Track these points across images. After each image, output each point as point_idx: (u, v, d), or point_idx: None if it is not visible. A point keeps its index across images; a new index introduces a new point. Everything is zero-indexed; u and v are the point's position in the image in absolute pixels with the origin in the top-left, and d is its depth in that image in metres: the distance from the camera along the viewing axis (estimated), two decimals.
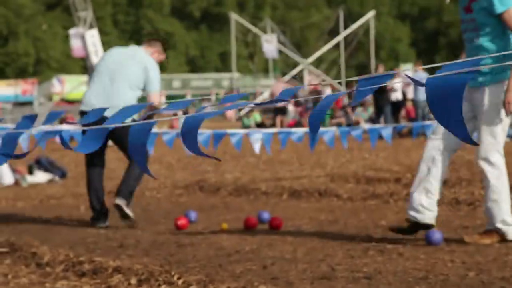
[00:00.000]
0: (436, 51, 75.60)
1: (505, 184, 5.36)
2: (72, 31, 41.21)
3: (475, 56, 5.15)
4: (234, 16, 50.71)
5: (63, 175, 11.49)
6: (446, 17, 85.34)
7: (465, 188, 8.40)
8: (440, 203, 7.49)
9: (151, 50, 7.44)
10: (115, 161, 13.06)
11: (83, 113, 7.09)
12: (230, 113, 38.42)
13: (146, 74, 7.15)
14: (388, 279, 4.45)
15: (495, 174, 5.32)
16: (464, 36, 5.44)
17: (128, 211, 6.97)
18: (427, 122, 10.24)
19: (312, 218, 7.08)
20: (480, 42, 5.31)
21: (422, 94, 19.74)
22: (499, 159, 5.33)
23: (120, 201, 7.02)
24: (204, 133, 8.99)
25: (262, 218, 6.79)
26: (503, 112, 5.28)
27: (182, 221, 6.71)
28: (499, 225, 5.37)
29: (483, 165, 5.35)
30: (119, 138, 7.07)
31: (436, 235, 5.45)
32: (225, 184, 9.63)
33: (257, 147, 8.40)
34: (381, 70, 21.37)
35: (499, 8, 5.19)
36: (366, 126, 11.93)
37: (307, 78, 46.99)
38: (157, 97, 7.16)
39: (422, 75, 20.25)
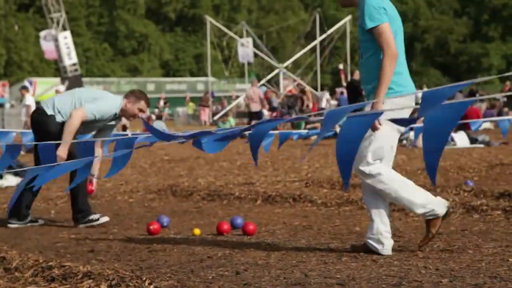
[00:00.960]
0: (412, 56, 76.01)
1: (395, 182, 5.36)
2: (42, 33, 40.95)
3: (364, 72, 5.36)
4: (209, 19, 50.58)
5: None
6: (422, 22, 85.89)
7: (439, 194, 8.38)
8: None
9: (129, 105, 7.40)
10: None
11: None
12: (204, 116, 38.30)
13: None
14: (361, 285, 4.41)
15: (376, 181, 5.35)
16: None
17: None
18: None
19: (286, 224, 7.03)
20: (364, 58, 5.42)
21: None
22: (373, 168, 5.37)
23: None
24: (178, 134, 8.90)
25: (235, 224, 6.73)
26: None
27: (154, 226, 6.63)
28: (420, 210, 5.36)
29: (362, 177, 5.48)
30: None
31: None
32: (198, 189, 9.56)
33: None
34: (357, 75, 21.38)
35: (369, 24, 5.26)
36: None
37: (282, 82, 46.99)
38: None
39: None
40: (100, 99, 7.26)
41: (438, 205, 5.38)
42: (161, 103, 47.80)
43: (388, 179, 5.36)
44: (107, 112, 7.21)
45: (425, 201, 5.36)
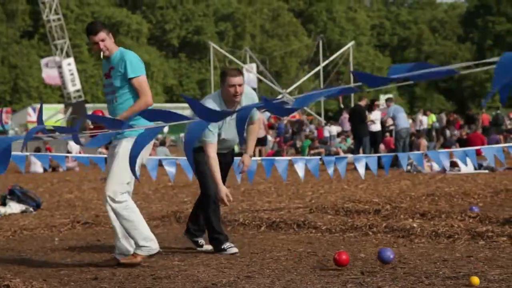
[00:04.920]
0: (416, 82, 76.15)
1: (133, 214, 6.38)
2: (44, 61, 41.17)
3: (115, 115, 6.35)
4: (213, 45, 50.84)
5: (37, 206, 11.33)
6: (425, 47, 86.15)
7: (445, 220, 8.35)
8: (419, 235, 7.45)
9: None
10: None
11: None
12: None
13: None
14: None
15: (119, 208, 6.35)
16: (106, 98, 6.66)
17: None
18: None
19: (290, 250, 6.99)
20: (118, 102, 6.49)
21: (403, 123, 19.77)
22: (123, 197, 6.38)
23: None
24: (183, 159, 8.90)
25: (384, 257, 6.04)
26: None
27: (343, 257, 5.95)
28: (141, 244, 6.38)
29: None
30: None
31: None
32: None
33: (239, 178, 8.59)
34: (364, 102, 21.42)
35: (130, 74, 6.45)
36: (350, 156, 11.87)
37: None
38: None
39: (398, 108, 20.37)
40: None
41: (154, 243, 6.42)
42: (165, 129, 47.79)
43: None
44: None
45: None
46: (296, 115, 40.68)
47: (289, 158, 10.05)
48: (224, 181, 7.07)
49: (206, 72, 67.67)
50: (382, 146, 21.29)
